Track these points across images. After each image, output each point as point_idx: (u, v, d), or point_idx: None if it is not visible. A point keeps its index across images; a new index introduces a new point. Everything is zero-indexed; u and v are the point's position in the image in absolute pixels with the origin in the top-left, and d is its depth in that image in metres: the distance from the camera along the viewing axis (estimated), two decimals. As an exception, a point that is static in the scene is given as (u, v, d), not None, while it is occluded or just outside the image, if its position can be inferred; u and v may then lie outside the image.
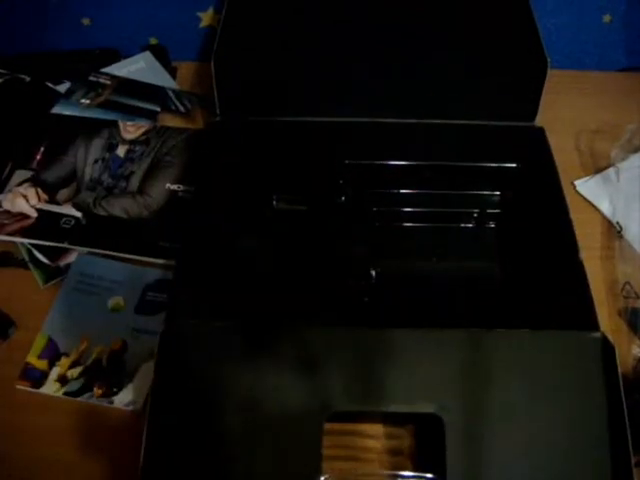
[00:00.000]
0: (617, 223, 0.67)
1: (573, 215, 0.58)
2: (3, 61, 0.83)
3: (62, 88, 0.80)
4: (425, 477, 0.48)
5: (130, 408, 0.57)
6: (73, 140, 0.75)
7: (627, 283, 0.63)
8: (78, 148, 0.74)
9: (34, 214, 0.68)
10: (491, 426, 0.48)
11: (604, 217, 0.69)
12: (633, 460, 0.46)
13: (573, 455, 0.47)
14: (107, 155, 0.74)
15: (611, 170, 0.72)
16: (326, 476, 0.48)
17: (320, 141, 0.65)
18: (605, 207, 0.69)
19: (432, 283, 0.60)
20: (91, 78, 0.81)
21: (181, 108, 0.79)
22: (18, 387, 0.58)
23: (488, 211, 0.63)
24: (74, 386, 0.58)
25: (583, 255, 0.56)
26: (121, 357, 0.60)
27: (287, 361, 0.50)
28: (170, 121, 0.77)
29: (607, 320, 0.61)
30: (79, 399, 0.57)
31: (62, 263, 0.66)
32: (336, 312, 0.54)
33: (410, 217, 0.64)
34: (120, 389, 0.58)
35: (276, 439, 0.48)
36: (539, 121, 0.67)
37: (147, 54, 0.85)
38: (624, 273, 0.64)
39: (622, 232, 0.66)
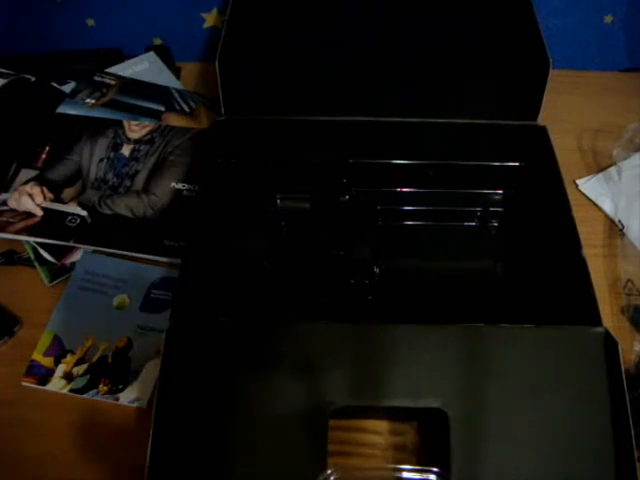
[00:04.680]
0: (619, 221, 0.68)
1: (575, 213, 0.59)
2: (8, 61, 0.83)
3: (67, 88, 0.81)
4: (429, 471, 0.49)
5: (135, 405, 0.57)
6: (78, 139, 0.75)
7: (629, 281, 0.63)
8: (83, 147, 0.74)
9: (40, 213, 0.69)
10: (495, 421, 0.48)
11: (606, 215, 0.69)
12: (636, 454, 0.46)
13: (576, 449, 0.48)
14: (112, 154, 0.74)
15: (613, 169, 0.72)
16: (331, 471, 0.48)
17: (324, 140, 0.65)
18: (607, 205, 0.70)
19: (436, 281, 0.60)
20: (96, 78, 0.81)
21: (185, 108, 0.79)
22: (24, 384, 0.59)
23: (491, 209, 0.64)
24: (80, 383, 0.58)
25: (585, 253, 0.56)
26: (126, 354, 0.60)
27: (292, 357, 0.50)
28: (175, 121, 0.78)
29: (609, 317, 0.61)
30: (84, 396, 0.58)
31: (67, 261, 0.66)
32: (340, 309, 0.55)
33: (413, 215, 0.64)
34: (125, 386, 0.58)
35: (282, 435, 0.49)
36: (541, 120, 0.67)
37: (151, 54, 0.85)
38: (626, 271, 0.64)
39: (624, 230, 0.67)
